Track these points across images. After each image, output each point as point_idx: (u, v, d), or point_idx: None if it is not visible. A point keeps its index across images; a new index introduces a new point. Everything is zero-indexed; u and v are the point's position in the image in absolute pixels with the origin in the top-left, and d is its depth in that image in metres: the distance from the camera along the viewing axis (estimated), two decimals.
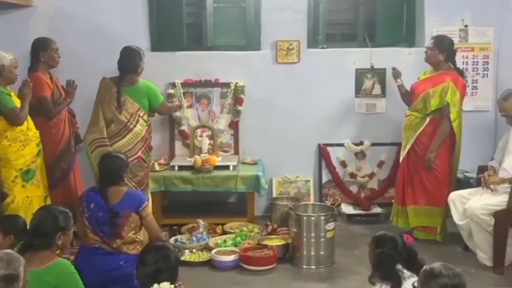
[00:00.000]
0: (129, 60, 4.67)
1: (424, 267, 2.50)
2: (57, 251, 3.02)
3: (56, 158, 4.74)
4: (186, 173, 5.25)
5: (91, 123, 4.69)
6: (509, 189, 4.28)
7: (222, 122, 5.78)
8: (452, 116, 4.80)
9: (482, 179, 4.55)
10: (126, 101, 4.63)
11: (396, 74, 5.24)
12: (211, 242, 4.80)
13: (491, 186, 4.45)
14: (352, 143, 5.86)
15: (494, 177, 4.50)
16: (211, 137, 5.60)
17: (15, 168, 4.25)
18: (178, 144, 5.79)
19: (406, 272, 2.95)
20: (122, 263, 3.67)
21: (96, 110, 4.69)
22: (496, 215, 4.29)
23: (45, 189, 4.52)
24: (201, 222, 4.90)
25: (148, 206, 3.88)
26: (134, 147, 4.62)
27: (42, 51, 4.76)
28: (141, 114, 4.67)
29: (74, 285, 2.87)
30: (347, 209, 5.73)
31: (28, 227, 3.23)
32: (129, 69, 4.66)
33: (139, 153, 4.64)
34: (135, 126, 4.64)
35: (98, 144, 4.58)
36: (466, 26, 5.73)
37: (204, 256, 4.61)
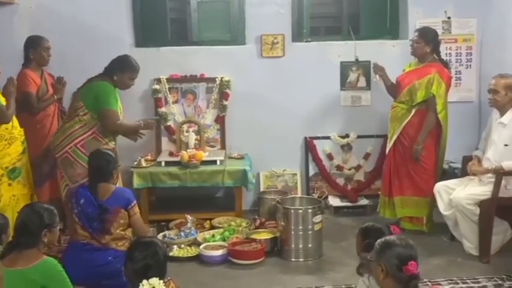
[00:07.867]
0: (117, 64, 4.46)
1: (378, 240, 2.54)
2: (44, 249, 2.99)
3: (41, 154, 4.73)
4: (173, 169, 5.23)
5: None
6: (493, 179, 4.33)
7: (208, 117, 5.77)
8: (438, 107, 4.82)
9: (468, 168, 4.60)
10: (73, 98, 4.48)
11: (376, 69, 5.25)
12: (200, 237, 4.80)
13: (478, 175, 4.49)
14: (338, 136, 5.88)
15: (478, 167, 4.54)
16: (197, 132, 5.59)
17: (1, 166, 4.21)
18: (164, 140, 5.78)
19: None
20: (110, 258, 3.70)
21: None
22: (481, 204, 4.33)
23: (31, 187, 4.49)
24: (189, 217, 4.90)
25: (136, 205, 3.91)
26: (61, 142, 4.32)
27: (31, 49, 4.82)
28: (80, 113, 4.32)
29: (62, 284, 2.86)
30: (334, 201, 5.75)
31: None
32: (112, 70, 4.46)
33: (66, 149, 4.28)
34: (67, 122, 4.40)
35: None
36: (449, 17, 5.77)
37: (192, 251, 4.61)
